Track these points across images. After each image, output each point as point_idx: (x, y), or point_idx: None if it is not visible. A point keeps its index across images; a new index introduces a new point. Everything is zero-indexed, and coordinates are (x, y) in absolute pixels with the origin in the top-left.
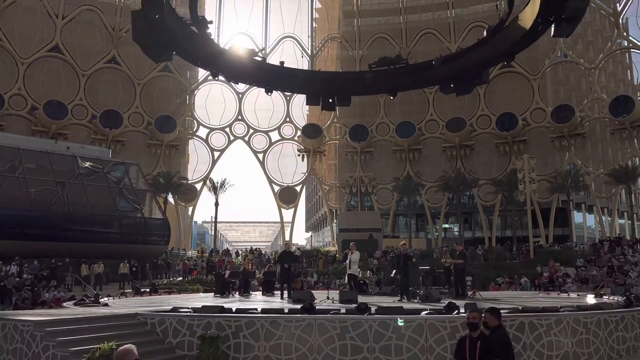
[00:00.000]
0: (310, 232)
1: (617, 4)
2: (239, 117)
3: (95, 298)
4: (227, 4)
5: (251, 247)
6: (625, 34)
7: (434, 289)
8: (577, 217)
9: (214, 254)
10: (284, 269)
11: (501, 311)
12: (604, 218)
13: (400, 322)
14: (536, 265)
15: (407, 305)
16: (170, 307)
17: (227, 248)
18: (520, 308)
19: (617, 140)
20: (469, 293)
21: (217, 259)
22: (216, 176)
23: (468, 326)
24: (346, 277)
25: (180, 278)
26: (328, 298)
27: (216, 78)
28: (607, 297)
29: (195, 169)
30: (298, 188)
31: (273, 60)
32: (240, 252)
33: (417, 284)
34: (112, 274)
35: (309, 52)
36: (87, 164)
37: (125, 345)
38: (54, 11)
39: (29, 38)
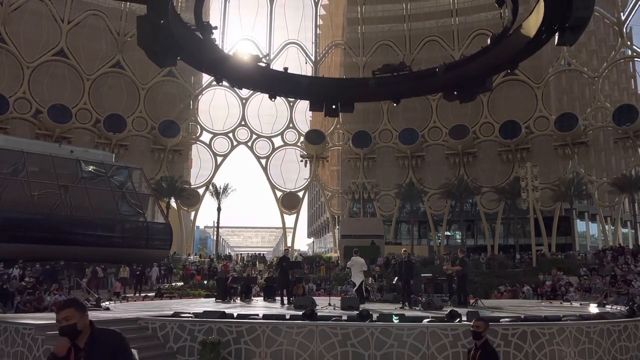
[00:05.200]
0: (312, 238)
1: (621, 13)
2: (242, 123)
3: (97, 302)
4: (232, 9)
5: (256, 254)
6: (629, 42)
7: (436, 297)
8: (580, 225)
9: (219, 260)
10: (283, 274)
11: (503, 320)
12: (607, 227)
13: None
14: (539, 274)
15: (409, 313)
16: (172, 312)
17: (230, 253)
18: (522, 317)
19: (620, 149)
20: (471, 301)
21: (223, 264)
22: (219, 181)
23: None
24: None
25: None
26: (330, 304)
27: (220, 83)
28: (610, 307)
29: (198, 174)
30: (300, 194)
31: (277, 66)
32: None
33: (419, 292)
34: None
35: (313, 58)
36: (91, 168)
37: None
38: (59, 16)
39: (34, 42)
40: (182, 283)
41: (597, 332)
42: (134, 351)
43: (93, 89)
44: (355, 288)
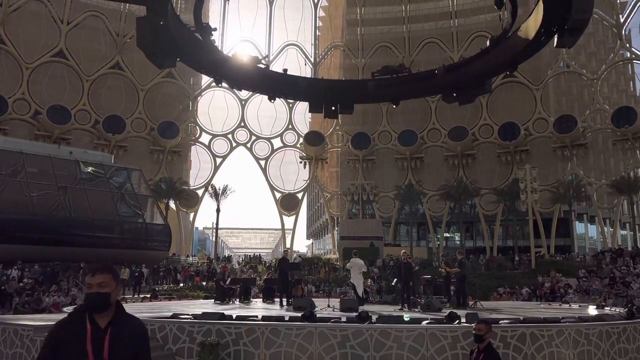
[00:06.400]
0: (311, 239)
1: (620, 15)
2: (242, 124)
3: None
4: (232, 11)
5: (253, 255)
6: (627, 45)
7: (435, 298)
8: (579, 227)
9: (217, 261)
10: (283, 276)
11: (502, 321)
12: (605, 229)
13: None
14: (537, 276)
15: (407, 315)
16: (171, 314)
17: (229, 254)
18: (521, 318)
19: (619, 151)
20: (470, 303)
21: (221, 265)
22: (218, 182)
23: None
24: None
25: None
26: (329, 306)
27: (219, 85)
28: (609, 309)
29: (197, 175)
30: (299, 195)
31: (276, 67)
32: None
33: (419, 293)
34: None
35: (312, 60)
36: (90, 169)
37: None
38: (59, 16)
39: (33, 43)
40: (171, 285)
41: (596, 334)
42: None
43: (92, 90)
44: (360, 291)
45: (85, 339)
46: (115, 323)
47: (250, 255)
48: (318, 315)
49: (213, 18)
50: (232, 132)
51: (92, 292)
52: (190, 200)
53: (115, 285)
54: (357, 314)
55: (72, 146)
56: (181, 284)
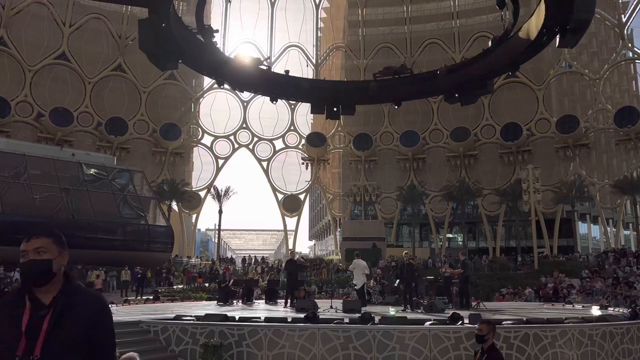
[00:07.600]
0: (313, 240)
1: (622, 15)
2: (244, 125)
3: None
4: (233, 12)
5: (255, 257)
6: (630, 45)
7: (438, 299)
8: (582, 228)
9: (220, 262)
10: (290, 277)
11: (505, 322)
12: (608, 229)
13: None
14: (540, 276)
15: (410, 315)
16: (173, 315)
17: (231, 256)
18: (524, 319)
19: (622, 151)
20: (473, 304)
21: (224, 267)
22: (220, 184)
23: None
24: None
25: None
26: (331, 307)
27: (221, 86)
28: (612, 309)
29: (199, 177)
30: (302, 196)
31: (278, 69)
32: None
33: (421, 294)
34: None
35: (314, 61)
36: (92, 171)
37: (128, 354)
38: (61, 19)
39: (36, 45)
40: (171, 287)
41: (599, 335)
42: (135, 354)
43: (94, 92)
44: (365, 289)
45: (21, 318)
46: (60, 297)
47: (251, 257)
48: (321, 317)
49: (215, 20)
50: (234, 134)
51: (29, 259)
52: (193, 202)
53: (59, 252)
54: (359, 315)
55: (74, 148)
56: (179, 286)
